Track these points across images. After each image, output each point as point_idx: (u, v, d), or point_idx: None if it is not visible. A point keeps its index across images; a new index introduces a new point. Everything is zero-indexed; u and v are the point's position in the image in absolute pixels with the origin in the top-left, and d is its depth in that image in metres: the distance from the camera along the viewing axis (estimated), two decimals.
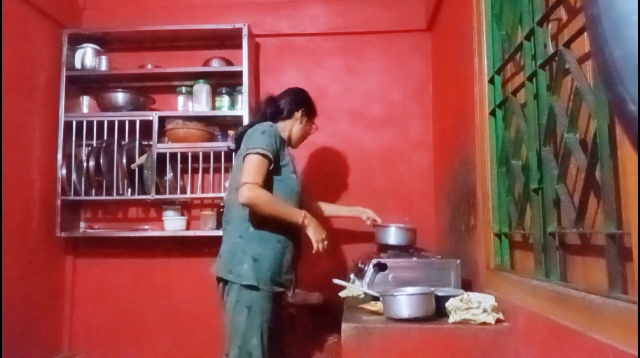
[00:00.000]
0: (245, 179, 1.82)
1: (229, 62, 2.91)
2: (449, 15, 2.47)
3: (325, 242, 1.97)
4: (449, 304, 1.52)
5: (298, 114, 2.14)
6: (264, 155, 1.86)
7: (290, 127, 2.15)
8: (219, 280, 1.91)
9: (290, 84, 3.04)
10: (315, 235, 1.93)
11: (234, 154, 2.22)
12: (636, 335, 0.85)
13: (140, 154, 2.81)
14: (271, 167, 1.89)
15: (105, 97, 2.89)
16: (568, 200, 1.23)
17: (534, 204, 1.40)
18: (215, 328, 2.90)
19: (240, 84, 2.82)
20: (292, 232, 1.95)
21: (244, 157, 1.87)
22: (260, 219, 1.87)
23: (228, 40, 2.98)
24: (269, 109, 2.10)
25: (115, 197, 2.80)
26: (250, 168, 1.84)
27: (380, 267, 1.86)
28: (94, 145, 2.84)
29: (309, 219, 1.93)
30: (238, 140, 2.05)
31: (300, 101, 2.17)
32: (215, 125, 2.91)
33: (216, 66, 2.88)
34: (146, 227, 2.97)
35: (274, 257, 1.89)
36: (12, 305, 2.45)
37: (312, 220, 1.95)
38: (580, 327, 1.07)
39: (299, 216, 1.91)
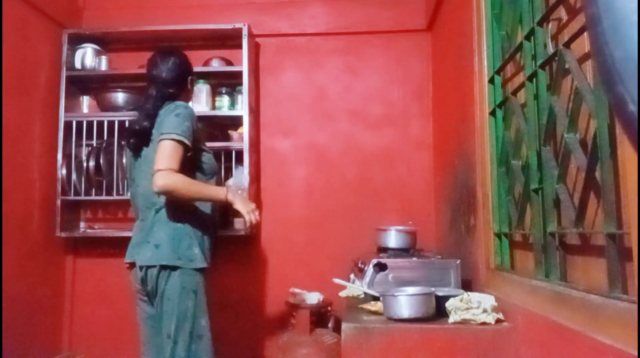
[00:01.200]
0: (159, 166, 1.74)
1: (229, 62, 2.91)
2: (449, 15, 2.47)
3: (256, 212, 1.92)
4: (449, 304, 1.52)
5: (188, 85, 2.07)
6: (178, 141, 1.78)
7: (190, 94, 2.13)
8: (148, 267, 1.83)
9: (290, 84, 3.07)
10: (244, 207, 1.89)
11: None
12: (636, 335, 0.84)
13: None
14: (189, 153, 1.83)
15: (105, 97, 2.89)
16: (568, 200, 1.23)
17: (534, 204, 1.40)
18: (215, 328, 2.90)
19: (240, 84, 2.82)
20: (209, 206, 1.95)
21: (158, 142, 1.80)
22: (184, 203, 1.85)
23: (228, 40, 2.98)
24: (160, 93, 1.98)
25: (115, 197, 2.80)
26: (164, 154, 1.76)
27: (380, 267, 1.86)
28: (94, 145, 2.85)
29: (233, 193, 1.89)
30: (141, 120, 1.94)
31: (183, 71, 2.05)
32: (215, 125, 2.91)
33: (216, 66, 2.88)
34: None
35: (207, 235, 1.91)
36: (12, 305, 2.45)
37: (237, 194, 1.91)
38: (580, 327, 1.07)
39: (221, 193, 1.87)
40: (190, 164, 1.87)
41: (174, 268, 1.81)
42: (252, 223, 1.92)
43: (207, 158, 1.97)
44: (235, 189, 1.92)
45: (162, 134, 1.80)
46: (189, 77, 2.07)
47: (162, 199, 1.85)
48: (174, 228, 1.85)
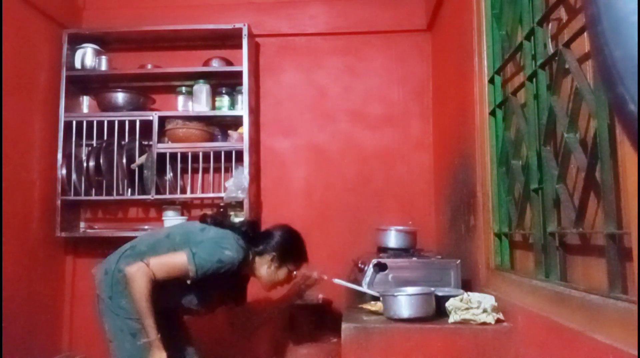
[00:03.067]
0: (152, 262, 1.71)
1: (229, 62, 2.91)
2: (449, 15, 2.47)
3: None
4: (449, 304, 1.52)
5: (268, 257, 1.92)
6: (190, 270, 1.72)
7: (259, 266, 1.93)
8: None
9: (290, 84, 3.07)
10: None
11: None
12: (636, 335, 0.84)
13: (140, 154, 2.81)
14: (188, 282, 1.76)
15: (105, 97, 2.89)
16: (568, 200, 1.23)
17: (534, 204, 1.40)
18: (215, 328, 2.90)
19: (240, 84, 2.82)
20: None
21: (184, 243, 1.78)
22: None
23: (228, 40, 2.98)
24: (249, 231, 1.95)
25: (115, 197, 2.80)
26: (166, 261, 1.73)
27: (380, 267, 1.86)
28: (94, 145, 2.84)
29: (158, 348, 1.71)
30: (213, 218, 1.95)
31: (276, 244, 1.93)
32: (215, 125, 2.91)
33: (216, 66, 2.88)
34: (146, 227, 2.96)
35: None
36: (12, 305, 2.45)
37: (159, 352, 1.71)
38: (580, 327, 1.07)
39: (151, 334, 1.70)
40: (176, 281, 1.77)
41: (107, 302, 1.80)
42: None
43: (187, 291, 1.84)
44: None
45: (191, 245, 1.76)
46: (273, 253, 1.92)
47: (146, 247, 1.84)
48: (119, 270, 1.80)
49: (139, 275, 1.68)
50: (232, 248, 1.80)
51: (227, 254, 1.77)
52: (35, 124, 2.72)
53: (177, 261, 1.73)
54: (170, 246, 1.82)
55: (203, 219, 1.97)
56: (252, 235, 1.95)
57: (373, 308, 1.65)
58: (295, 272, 2.00)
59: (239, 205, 2.75)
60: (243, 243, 1.86)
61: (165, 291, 1.76)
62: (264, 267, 1.92)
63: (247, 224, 2.01)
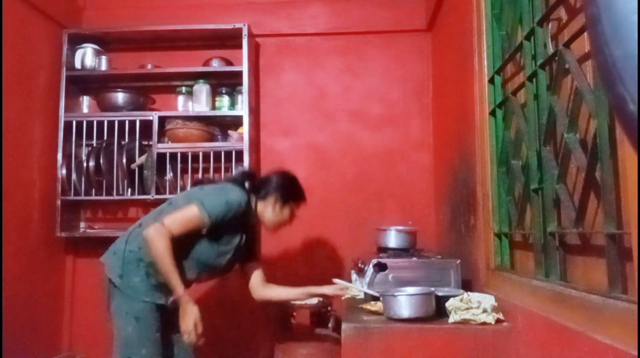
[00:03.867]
0: (165, 220, 1.76)
1: (229, 62, 2.91)
2: (449, 15, 2.47)
3: (199, 330, 1.79)
4: (449, 304, 1.52)
5: (271, 199, 1.97)
6: (203, 217, 1.77)
7: (263, 209, 1.98)
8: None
9: (291, 85, 3.07)
10: (185, 322, 1.78)
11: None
12: (636, 335, 0.84)
13: (140, 154, 2.81)
14: (204, 231, 1.81)
15: (105, 97, 2.89)
16: (568, 200, 1.23)
17: (534, 204, 1.40)
18: (215, 328, 2.90)
19: (240, 84, 2.82)
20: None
21: (188, 201, 1.81)
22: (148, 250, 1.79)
23: (228, 40, 2.98)
24: (247, 181, 2.01)
25: (115, 197, 2.80)
26: (179, 216, 1.78)
27: (380, 267, 1.86)
28: (94, 145, 2.84)
29: (187, 302, 1.77)
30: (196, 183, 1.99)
31: (276, 185, 1.99)
32: (215, 125, 2.91)
33: (216, 66, 2.88)
34: None
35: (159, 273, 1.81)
36: (12, 305, 2.45)
37: (190, 306, 1.78)
38: (580, 327, 1.07)
39: (179, 290, 1.76)
40: (194, 238, 1.83)
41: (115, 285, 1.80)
42: (191, 341, 1.79)
43: (211, 250, 1.87)
44: (191, 308, 1.78)
45: (197, 199, 1.81)
46: (275, 194, 1.97)
47: (153, 220, 1.84)
48: (130, 250, 1.83)
49: (157, 234, 1.73)
50: (235, 191, 1.88)
51: (231, 196, 1.85)
52: (35, 124, 2.72)
53: (189, 213, 1.78)
54: (176, 208, 1.84)
55: (198, 182, 2.05)
56: (251, 183, 2.02)
57: (373, 308, 1.65)
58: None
59: None
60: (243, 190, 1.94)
61: (182, 249, 1.81)
62: (268, 209, 1.97)
63: (243, 175, 2.06)
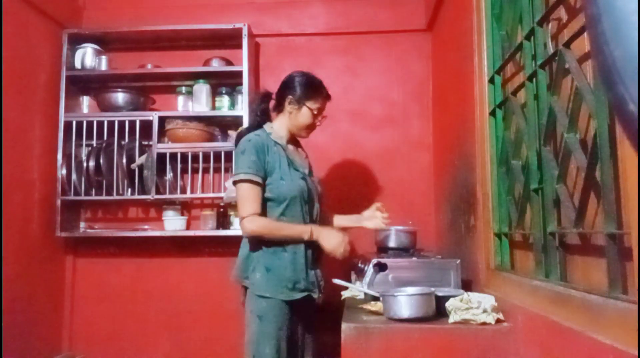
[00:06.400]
0: (242, 214, 1.82)
1: (229, 62, 2.91)
2: (449, 15, 2.47)
3: (346, 244, 1.87)
4: (449, 304, 1.52)
5: (286, 103, 1.94)
6: (250, 181, 1.82)
7: (285, 120, 1.96)
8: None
9: None
10: (328, 245, 1.86)
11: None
12: (636, 335, 0.85)
13: (140, 154, 2.81)
14: (264, 184, 1.86)
15: (105, 97, 2.89)
16: (568, 200, 1.23)
17: (534, 204, 1.40)
18: (215, 329, 2.90)
19: (240, 84, 2.82)
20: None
21: (235, 183, 1.87)
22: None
23: (228, 40, 2.98)
24: (262, 105, 2.00)
25: (115, 197, 2.80)
26: (242, 199, 1.83)
27: (380, 267, 1.86)
28: (94, 145, 2.85)
29: (317, 232, 1.86)
30: (237, 141, 2.02)
31: (286, 87, 1.94)
32: (215, 125, 2.91)
33: (216, 66, 2.88)
34: (146, 227, 2.97)
35: (285, 266, 1.85)
36: (12, 304, 2.45)
37: (321, 232, 1.87)
38: (580, 327, 1.07)
39: (304, 233, 1.85)
40: (276, 192, 1.88)
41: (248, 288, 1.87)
42: (344, 256, 1.88)
43: (274, 186, 1.87)
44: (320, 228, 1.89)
45: (233, 177, 1.86)
46: (288, 97, 1.94)
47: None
48: (247, 251, 1.90)
49: (250, 225, 1.80)
50: (247, 136, 1.89)
51: (245, 144, 1.86)
52: (35, 124, 2.72)
53: (243, 191, 1.82)
54: (237, 199, 1.89)
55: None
56: (267, 107, 2.00)
57: (373, 308, 1.65)
58: (318, 115, 1.98)
59: None
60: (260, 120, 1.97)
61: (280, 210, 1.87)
62: (286, 117, 1.96)
63: (263, 97, 2.01)
